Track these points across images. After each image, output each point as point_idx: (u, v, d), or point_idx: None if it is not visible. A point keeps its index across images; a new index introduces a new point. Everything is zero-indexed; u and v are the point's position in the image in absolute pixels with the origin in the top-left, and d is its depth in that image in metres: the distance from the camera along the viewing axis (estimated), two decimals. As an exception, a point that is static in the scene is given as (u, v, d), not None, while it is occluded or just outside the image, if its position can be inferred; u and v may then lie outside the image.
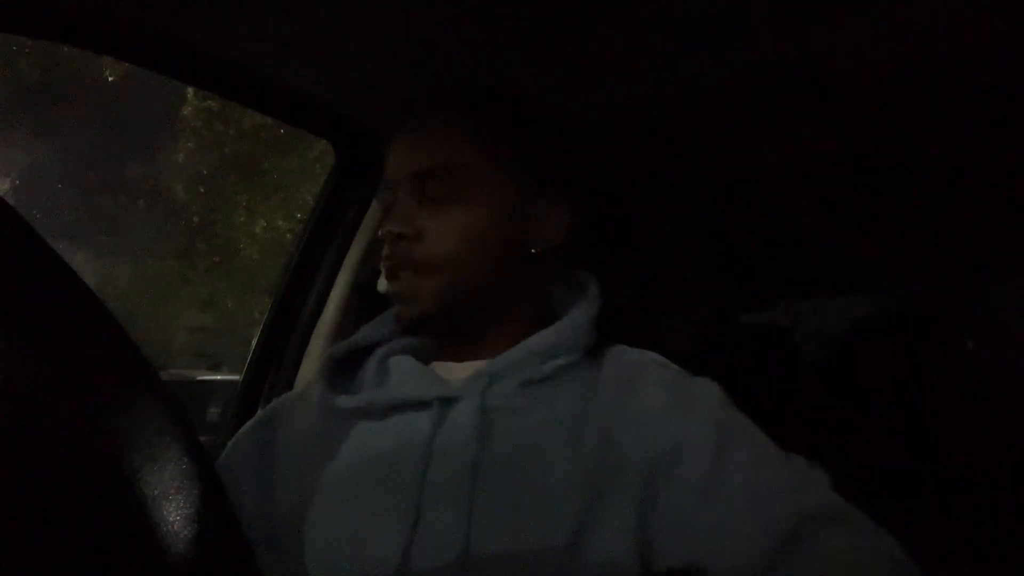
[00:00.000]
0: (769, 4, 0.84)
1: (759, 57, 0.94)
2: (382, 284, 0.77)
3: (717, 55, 0.94)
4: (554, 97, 1.03)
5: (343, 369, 0.77)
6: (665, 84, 1.03)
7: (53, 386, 0.29)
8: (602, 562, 0.59)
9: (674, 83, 1.02)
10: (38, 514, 0.27)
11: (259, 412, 0.79)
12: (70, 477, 0.28)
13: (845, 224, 1.58)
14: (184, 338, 9.56)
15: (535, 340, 0.70)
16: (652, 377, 0.69)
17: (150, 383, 0.33)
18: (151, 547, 0.29)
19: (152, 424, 0.32)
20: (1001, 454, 1.35)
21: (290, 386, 1.16)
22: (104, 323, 0.33)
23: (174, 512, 0.31)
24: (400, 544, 0.60)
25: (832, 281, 2.03)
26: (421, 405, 0.68)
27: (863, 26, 0.88)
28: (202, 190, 9.54)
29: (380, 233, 0.71)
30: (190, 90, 8.06)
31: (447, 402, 0.67)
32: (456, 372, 0.71)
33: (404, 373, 0.73)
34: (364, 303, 1.17)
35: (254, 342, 1.21)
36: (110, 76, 9.16)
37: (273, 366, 1.19)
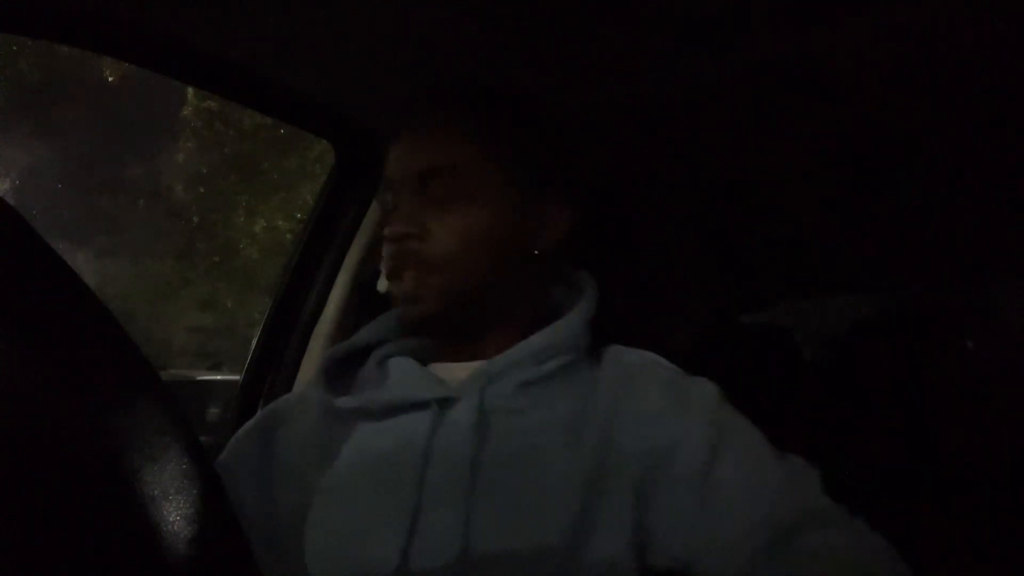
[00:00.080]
0: (769, 4, 0.84)
1: (759, 57, 0.94)
2: (382, 284, 0.77)
3: (717, 55, 0.94)
4: (554, 97, 1.03)
5: (342, 370, 0.77)
6: (665, 84, 1.03)
7: (53, 386, 0.29)
8: (601, 562, 0.59)
9: (674, 83, 1.02)
10: (38, 514, 0.27)
11: (259, 412, 0.79)
12: (70, 477, 0.28)
13: (845, 224, 1.58)
14: (184, 338, 9.56)
15: (533, 340, 0.70)
16: (650, 377, 0.69)
17: (150, 383, 0.33)
18: (151, 547, 0.29)
19: (152, 424, 0.32)
20: (1001, 454, 1.35)
21: (290, 386, 1.16)
22: (104, 323, 0.33)
23: (174, 512, 0.31)
24: (399, 544, 0.60)
25: (832, 281, 2.03)
26: (420, 405, 0.68)
27: (863, 26, 0.87)
28: (202, 190, 9.54)
29: (385, 233, 0.71)
30: (190, 90, 8.06)
31: (446, 402, 0.67)
32: (455, 373, 0.71)
33: (403, 374, 0.73)
34: (364, 303, 1.17)
35: (254, 342, 1.21)
36: (110, 76, 9.17)
37: (273, 366, 1.19)
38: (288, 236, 8.44)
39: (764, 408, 0.70)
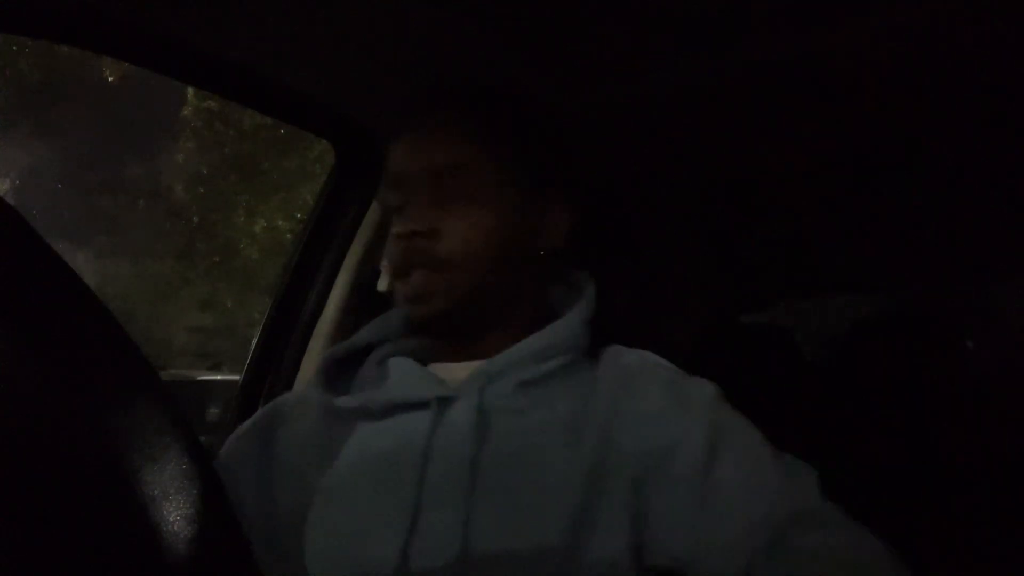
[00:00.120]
0: (769, 4, 0.84)
1: (759, 57, 0.94)
2: (382, 284, 0.76)
3: (717, 55, 0.94)
4: (554, 97, 1.03)
5: (341, 370, 0.77)
6: (665, 84, 1.03)
7: (53, 386, 0.29)
8: (600, 562, 0.59)
9: (674, 83, 1.02)
10: (38, 514, 0.27)
11: (257, 411, 0.78)
12: (70, 477, 0.28)
13: (845, 224, 1.58)
14: (184, 338, 9.56)
15: (532, 340, 0.70)
16: (650, 377, 0.69)
17: (150, 383, 0.33)
18: (151, 547, 0.29)
19: (152, 424, 0.32)
20: (1001, 454, 1.35)
21: (290, 386, 1.16)
22: (104, 323, 0.33)
23: (174, 512, 0.31)
24: (399, 544, 0.60)
25: (832, 281, 2.03)
26: (420, 405, 0.68)
27: (863, 26, 0.87)
28: (202, 190, 9.53)
29: (394, 230, 0.70)
30: (190, 90, 8.05)
31: (445, 402, 0.67)
32: (454, 372, 0.71)
33: (403, 373, 0.73)
34: (364, 303, 1.17)
35: (254, 342, 1.21)
36: (110, 76, 9.16)
37: (273, 366, 1.19)
38: (288, 236, 8.43)
39: (764, 408, 0.70)
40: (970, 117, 1.12)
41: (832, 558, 0.55)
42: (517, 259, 0.72)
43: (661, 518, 0.60)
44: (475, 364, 0.71)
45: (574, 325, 0.72)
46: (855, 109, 1.09)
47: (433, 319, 0.71)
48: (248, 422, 0.77)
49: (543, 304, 0.77)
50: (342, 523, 0.65)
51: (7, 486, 0.27)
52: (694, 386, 0.68)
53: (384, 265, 0.95)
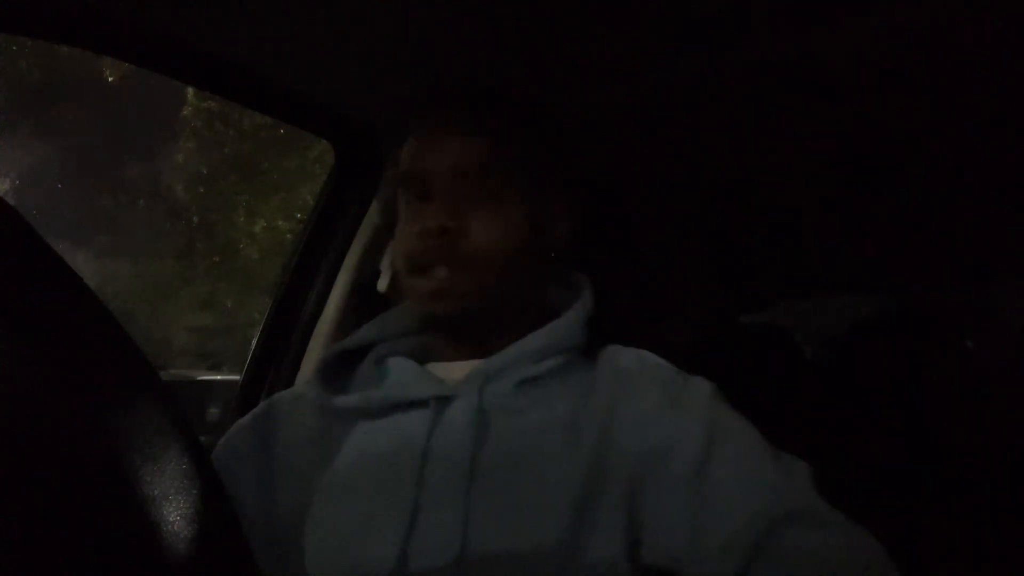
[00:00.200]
0: (769, 4, 0.84)
1: (759, 57, 0.94)
2: (382, 284, 0.76)
3: (717, 55, 0.94)
4: (554, 97, 1.03)
5: (339, 370, 0.77)
6: (665, 84, 1.03)
7: (53, 386, 0.29)
8: (599, 561, 0.59)
9: (674, 83, 1.02)
10: (38, 514, 0.27)
11: (255, 409, 0.78)
12: (70, 477, 0.28)
13: (845, 224, 1.58)
14: (184, 338, 9.55)
15: (531, 340, 0.70)
16: (648, 377, 0.69)
17: (150, 383, 0.33)
18: (151, 547, 0.29)
19: (152, 424, 0.32)
20: (1001, 454, 1.35)
21: (290, 386, 1.16)
22: (104, 323, 0.33)
23: (174, 512, 0.31)
24: (397, 544, 0.60)
25: (832, 281, 2.03)
26: (418, 404, 0.68)
27: (863, 26, 0.88)
28: (202, 190, 9.53)
29: (420, 226, 0.69)
30: (190, 90, 8.05)
31: (444, 401, 0.67)
32: (453, 372, 0.71)
33: (401, 373, 0.73)
34: (364, 303, 1.17)
35: (254, 342, 1.21)
36: (110, 76, 9.16)
37: (273, 366, 1.19)
38: (288, 236, 8.43)
39: (764, 408, 0.70)
40: (970, 117, 1.12)
41: (828, 557, 0.55)
42: (530, 259, 0.73)
43: (658, 517, 0.60)
44: (473, 363, 0.71)
45: (572, 325, 0.72)
46: (855, 109, 1.09)
47: (452, 317, 0.71)
48: (244, 420, 0.76)
49: (543, 304, 0.77)
50: (341, 523, 0.65)
51: (7, 486, 0.27)
52: (692, 385, 0.68)
53: (384, 265, 0.95)
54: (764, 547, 0.55)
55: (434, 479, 0.63)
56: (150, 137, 9.62)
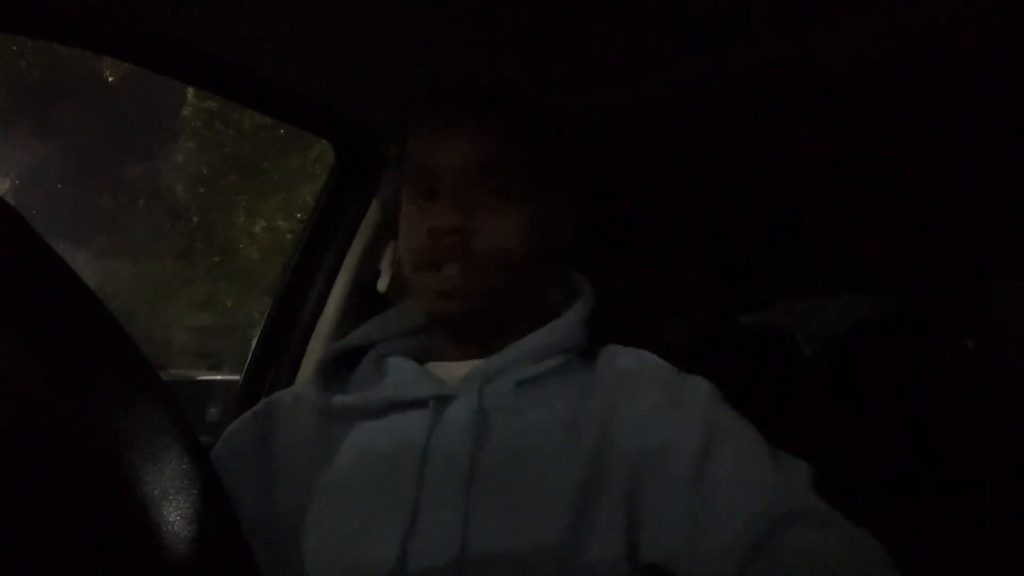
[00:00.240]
0: (769, 4, 0.84)
1: (759, 57, 0.94)
2: (382, 284, 0.76)
3: (717, 55, 0.94)
4: (554, 97, 1.03)
5: (338, 370, 0.77)
6: (665, 84, 1.03)
7: (53, 386, 0.29)
8: (599, 561, 0.59)
9: (674, 83, 1.02)
10: (38, 514, 0.27)
11: (253, 407, 0.78)
12: (70, 477, 0.28)
13: (845, 224, 1.58)
14: (184, 338, 9.55)
15: (531, 340, 0.70)
16: (647, 377, 0.69)
17: (150, 383, 0.33)
18: (151, 547, 0.29)
19: (152, 424, 0.32)
20: (1001, 454, 1.35)
21: (290, 386, 1.15)
22: (104, 323, 0.33)
23: (174, 512, 0.31)
24: (397, 544, 0.60)
25: (832, 281, 2.03)
26: (418, 404, 0.68)
27: (863, 26, 0.87)
28: (202, 190, 9.53)
29: (433, 223, 0.69)
30: (190, 90, 8.04)
31: (443, 401, 0.67)
32: (452, 371, 0.71)
33: (400, 372, 0.73)
34: (364, 303, 1.17)
35: (254, 342, 1.21)
36: (110, 76, 9.16)
37: (273, 366, 1.19)
38: (288, 236, 8.43)
39: (764, 408, 0.70)
40: (970, 117, 1.12)
41: (827, 557, 0.55)
42: (535, 259, 0.73)
43: (658, 517, 0.60)
44: (473, 363, 0.71)
45: (572, 325, 0.72)
46: (855, 109, 1.09)
47: (461, 315, 0.70)
48: (242, 419, 0.76)
49: (543, 304, 0.77)
50: (340, 522, 0.65)
51: (7, 486, 0.27)
52: (691, 385, 0.68)
53: (384, 265, 0.95)
54: (764, 547, 0.55)
55: (434, 479, 0.63)
56: (150, 137, 9.62)
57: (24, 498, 0.27)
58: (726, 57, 0.94)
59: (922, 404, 1.47)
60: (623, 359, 0.72)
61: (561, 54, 0.94)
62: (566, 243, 0.77)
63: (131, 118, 9.42)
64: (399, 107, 0.80)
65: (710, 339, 1.78)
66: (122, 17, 0.84)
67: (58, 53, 8.63)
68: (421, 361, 0.74)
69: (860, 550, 0.56)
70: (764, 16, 0.86)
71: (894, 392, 1.51)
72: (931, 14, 0.85)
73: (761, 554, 0.55)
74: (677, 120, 1.16)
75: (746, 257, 1.80)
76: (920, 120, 1.12)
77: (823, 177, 1.35)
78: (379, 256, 1.17)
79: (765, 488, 0.58)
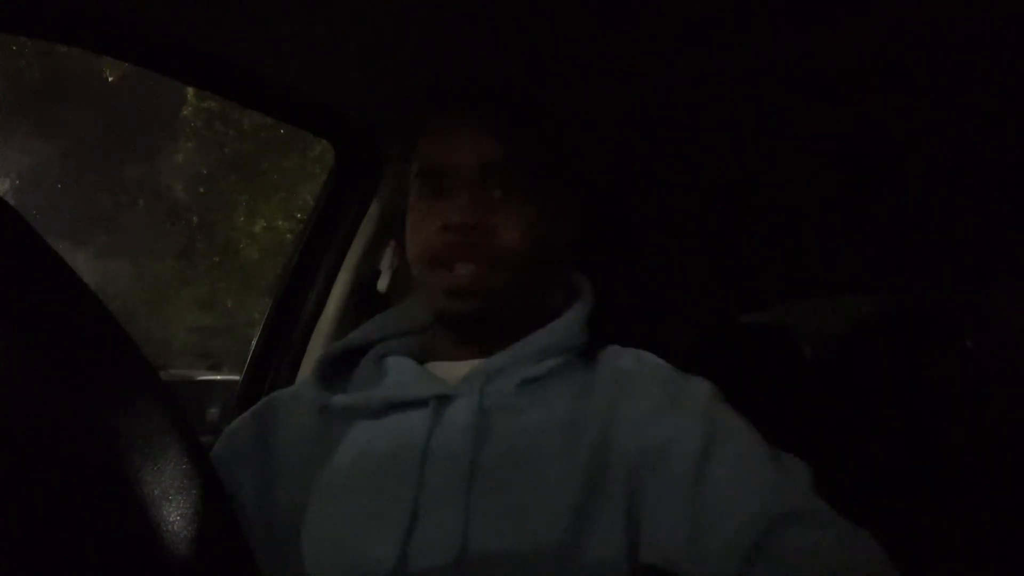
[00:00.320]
0: (769, 4, 0.84)
1: (759, 57, 0.94)
2: (382, 284, 0.76)
3: (717, 55, 0.94)
4: (554, 97, 1.03)
5: (338, 369, 0.77)
6: (665, 84, 1.03)
7: (53, 386, 0.29)
8: (599, 561, 0.59)
9: (674, 83, 1.02)
10: (38, 514, 0.27)
11: (253, 407, 0.78)
12: (70, 477, 0.28)
13: (845, 224, 1.58)
14: (184, 338, 9.55)
15: (531, 340, 0.70)
16: (647, 377, 0.69)
17: (150, 383, 0.33)
18: (151, 547, 0.29)
19: (152, 424, 0.32)
20: (1001, 454, 1.35)
21: (290, 386, 1.15)
22: (104, 323, 0.33)
23: (174, 512, 0.31)
24: (397, 544, 0.60)
25: (832, 281, 2.03)
26: (418, 404, 0.68)
27: (863, 26, 0.87)
28: (202, 190, 9.53)
29: (446, 221, 0.69)
30: (190, 90, 8.04)
31: (444, 400, 0.67)
32: (452, 371, 0.71)
33: (400, 372, 0.73)
34: (364, 303, 1.17)
35: (254, 342, 1.21)
36: (110, 76, 9.15)
37: (273, 366, 1.19)
38: (288, 236, 8.43)
39: (764, 408, 0.70)
40: (970, 117, 1.12)
41: (827, 557, 0.55)
42: (536, 259, 0.73)
43: (658, 517, 0.60)
44: (473, 363, 0.71)
45: (573, 325, 0.72)
46: (855, 109, 1.09)
47: (470, 314, 0.71)
48: (242, 418, 0.76)
49: (543, 304, 0.77)
50: (340, 522, 0.65)
51: (7, 486, 0.27)
52: (691, 385, 0.68)
53: (384, 265, 0.95)
54: (763, 547, 0.55)
55: (434, 479, 0.63)
56: (150, 137, 9.62)
57: (24, 498, 0.27)
58: (726, 57, 0.94)
59: (922, 404, 1.47)
60: (623, 359, 0.72)
61: (561, 54, 0.94)
62: (567, 243, 0.77)
63: (131, 118, 9.42)
64: (399, 107, 0.80)
65: (710, 339, 1.77)
66: (122, 17, 0.84)
67: (58, 53, 8.63)
68: (421, 361, 0.74)
69: (859, 550, 0.56)
70: (764, 16, 0.86)
71: (894, 392, 1.50)
72: (931, 14, 0.85)
73: (761, 554, 0.55)
74: (677, 120, 1.16)
75: (746, 257, 1.80)
76: (920, 120, 1.12)
77: (823, 177, 1.35)
78: (379, 256, 1.17)
79: (765, 488, 0.58)
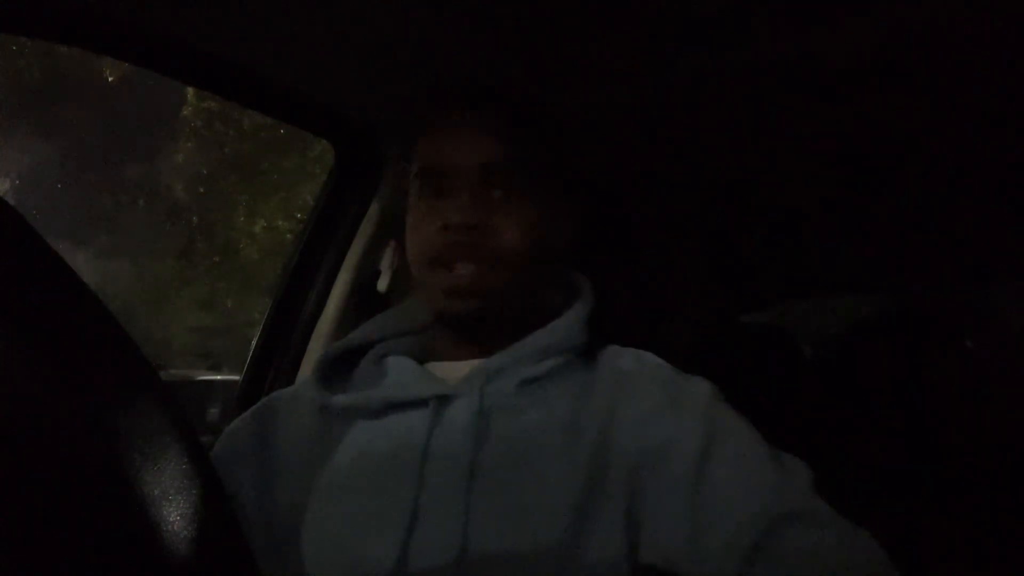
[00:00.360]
0: (769, 4, 0.84)
1: (759, 57, 0.94)
2: (382, 284, 0.76)
3: (717, 55, 0.94)
4: (554, 97, 1.03)
5: (338, 369, 0.77)
6: (665, 84, 1.03)
7: (53, 386, 0.29)
8: (599, 561, 0.59)
9: (674, 83, 1.02)
10: (38, 514, 0.27)
11: (253, 407, 0.78)
12: (70, 477, 0.28)
13: (845, 224, 1.58)
14: (184, 338, 9.55)
15: (531, 339, 0.70)
16: (647, 377, 0.69)
17: (150, 383, 0.33)
18: (151, 547, 0.29)
19: (152, 424, 0.32)
20: (1001, 454, 1.35)
21: (290, 386, 1.16)
22: (104, 323, 0.33)
23: (174, 512, 0.31)
24: (397, 544, 0.60)
25: (832, 281, 2.03)
26: (418, 404, 0.68)
27: (863, 26, 0.88)
28: (202, 190, 9.53)
29: (447, 221, 0.69)
30: (190, 90, 8.04)
31: (444, 400, 0.67)
32: (452, 371, 0.71)
33: (400, 372, 0.73)
34: (364, 303, 1.17)
35: (254, 342, 1.21)
36: (110, 76, 9.15)
37: (273, 366, 1.19)
38: (288, 236, 8.43)
39: (764, 408, 0.70)
40: (970, 117, 1.12)
41: (827, 557, 0.55)
42: (536, 259, 0.73)
43: (658, 517, 0.60)
44: (473, 363, 0.71)
45: (573, 325, 0.72)
46: (855, 109, 1.09)
47: (471, 314, 0.71)
48: (242, 418, 0.76)
49: (543, 305, 0.77)
50: (340, 522, 0.65)
51: (7, 486, 0.27)
52: (691, 385, 0.68)
53: (384, 265, 0.95)
54: (763, 547, 0.55)
55: (434, 479, 0.63)
56: (150, 137, 9.62)
57: (24, 498, 0.27)
58: (726, 57, 0.94)
59: (922, 404, 1.47)
60: (623, 359, 0.72)
61: (561, 54, 0.95)
62: (567, 243, 0.77)
63: (131, 118, 9.42)
64: (399, 107, 0.80)
65: (710, 339, 1.77)
66: (122, 17, 0.84)
67: (58, 53, 8.62)
68: (421, 361, 0.74)
69: (859, 550, 0.56)
70: (764, 16, 0.86)
71: (894, 392, 1.50)
72: (931, 14, 0.85)
73: (761, 554, 0.55)
74: (677, 120, 1.16)
75: (746, 257, 1.80)
76: (920, 120, 1.12)
77: (823, 177, 1.35)
78: (379, 256, 1.17)
79: (765, 488, 0.58)
